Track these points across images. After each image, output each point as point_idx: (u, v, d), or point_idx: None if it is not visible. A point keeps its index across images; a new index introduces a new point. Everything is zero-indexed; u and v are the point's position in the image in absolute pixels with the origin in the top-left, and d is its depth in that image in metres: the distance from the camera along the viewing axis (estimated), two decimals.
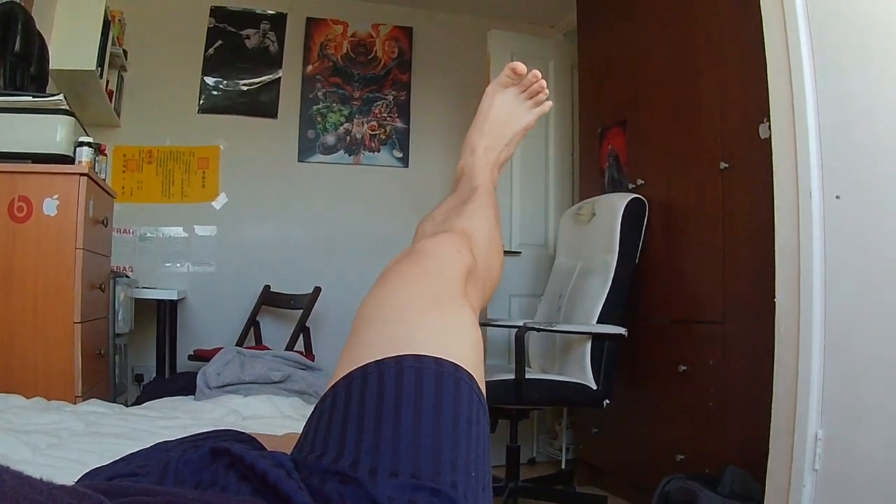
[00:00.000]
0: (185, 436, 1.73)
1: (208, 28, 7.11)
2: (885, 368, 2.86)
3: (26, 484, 0.80)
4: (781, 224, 3.38)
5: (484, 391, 1.37)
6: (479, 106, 2.42)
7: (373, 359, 1.28)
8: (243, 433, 1.78)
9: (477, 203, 2.07)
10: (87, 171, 3.99)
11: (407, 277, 1.56)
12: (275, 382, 4.05)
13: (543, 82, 2.37)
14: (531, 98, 2.38)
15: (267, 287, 6.87)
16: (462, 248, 1.68)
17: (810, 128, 3.20)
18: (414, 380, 1.22)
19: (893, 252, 2.84)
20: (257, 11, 7.24)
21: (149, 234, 6.84)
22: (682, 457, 4.68)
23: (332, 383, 1.32)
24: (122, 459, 1.47)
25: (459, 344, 1.39)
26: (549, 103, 2.41)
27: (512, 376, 4.59)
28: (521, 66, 2.32)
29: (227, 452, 1.19)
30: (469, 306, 1.51)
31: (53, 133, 4.08)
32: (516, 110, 2.39)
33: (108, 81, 5.95)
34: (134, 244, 6.79)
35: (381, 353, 1.30)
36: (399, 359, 1.26)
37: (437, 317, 1.44)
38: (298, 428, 2.52)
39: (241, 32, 7.19)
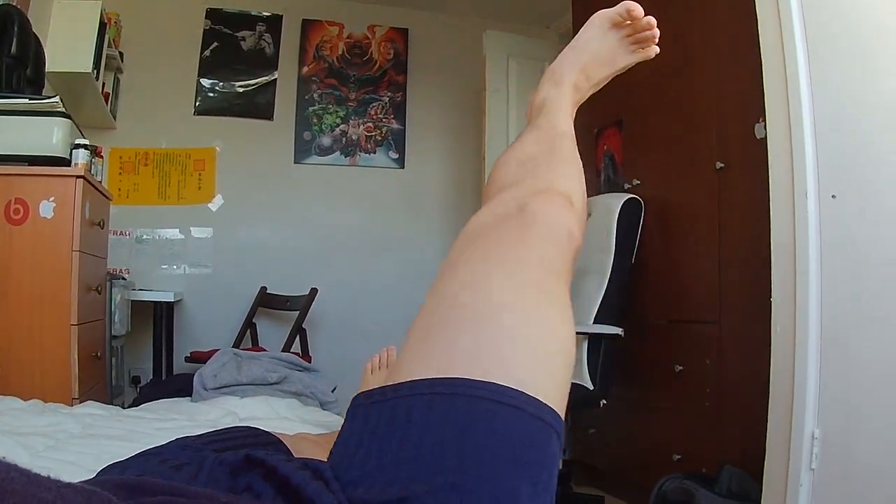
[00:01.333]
0: (206, 432, 1.71)
1: (204, 30, 7.13)
2: (882, 367, 2.86)
3: (34, 482, 0.79)
4: (777, 223, 3.38)
5: (565, 399, 1.19)
6: (579, 32, 2.14)
7: (463, 373, 1.09)
8: (266, 432, 1.77)
9: (569, 156, 1.77)
10: (83, 174, 3.99)
11: (510, 256, 1.33)
12: (271, 384, 4.05)
13: (657, 31, 2.12)
14: (637, 42, 2.14)
15: (263, 289, 6.88)
16: (575, 227, 1.44)
17: (806, 127, 3.19)
18: (505, 426, 1.05)
19: (889, 251, 2.84)
20: (253, 13, 7.25)
21: (145, 236, 6.85)
22: (679, 456, 4.68)
23: (401, 381, 1.12)
24: (142, 455, 1.41)
25: (557, 365, 1.20)
26: (657, 49, 2.17)
27: None
28: (639, 9, 2.04)
29: (262, 463, 1.11)
30: (570, 305, 1.31)
31: (49, 135, 4.08)
32: (618, 52, 2.15)
33: (104, 83, 5.96)
34: (130, 246, 6.80)
35: (472, 366, 1.10)
36: (496, 392, 1.07)
37: (542, 331, 1.21)
38: (295, 429, 2.53)
39: (237, 34, 7.20)
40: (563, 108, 2.01)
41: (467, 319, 1.18)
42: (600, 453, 5.80)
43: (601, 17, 2.11)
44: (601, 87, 2.16)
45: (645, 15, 2.05)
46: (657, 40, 2.13)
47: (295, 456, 1.50)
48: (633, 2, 2.03)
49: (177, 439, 1.59)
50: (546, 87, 2.07)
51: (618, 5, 2.06)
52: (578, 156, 1.79)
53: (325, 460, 1.16)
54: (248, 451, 1.17)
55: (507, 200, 1.45)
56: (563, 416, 1.15)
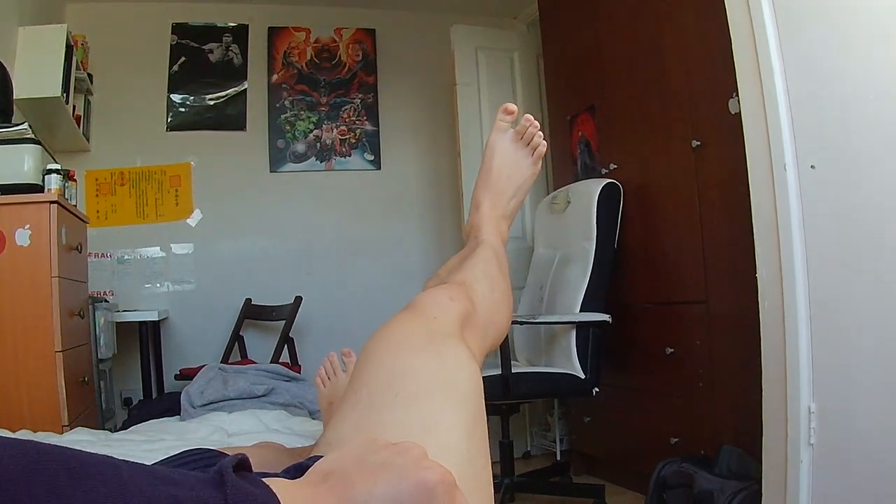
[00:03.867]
0: (162, 459, 1.71)
1: (171, 45, 7.08)
2: (873, 336, 2.85)
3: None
4: (757, 197, 3.37)
5: (484, 430, 1.48)
6: (483, 159, 2.50)
7: (376, 406, 1.39)
8: (221, 452, 1.77)
9: (478, 257, 2.14)
10: (57, 199, 3.96)
11: (403, 322, 1.67)
12: (259, 396, 4.04)
13: (537, 123, 2.44)
14: (528, 144, 2.45)
15: (248, 300, 6.85)
16: (456, 296, 1.79)
17: (780, 99, 3.18)
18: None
19: (872, 217, 2.84)
20: (219, 25, 7.21)
21: (126, 257, 6.81)
22: (676, 440, 4.68)
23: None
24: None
25: (456, 377, 1.49)
26: (545, 144, 2.46)
27: (498, 371, 4.57)
28: (511, 106, 2.42)
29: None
30: (465, 345, 1.61)
31: (21, 163, 4.06)
32: (518, 160, 2.45)
33: (74, 107, 5.91)
34: (113, 268, 6.76)
35: (382, 393, 1.41)
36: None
37: (433, 351, 1.53)
38: (285, 441, 2.51)
39: (204, 47, 7.16)
40: (483, 225, 2.36)
41: (376, 357, 1.54)
42: (597, 442, 5.80)
43: (492, 134, 2.49)
44: (522, 196, 2.51)
45: (521, 112, 2.47)
46: (541, 135, 2.46)
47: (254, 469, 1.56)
48: (507, 103, 2.46)
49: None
50: (471, 215, 2.47)
51: (497, 115, 2.47)
52: (498, 252, 2.24)
53: None
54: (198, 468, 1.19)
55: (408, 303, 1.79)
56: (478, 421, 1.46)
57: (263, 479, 1.00)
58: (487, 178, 2.44)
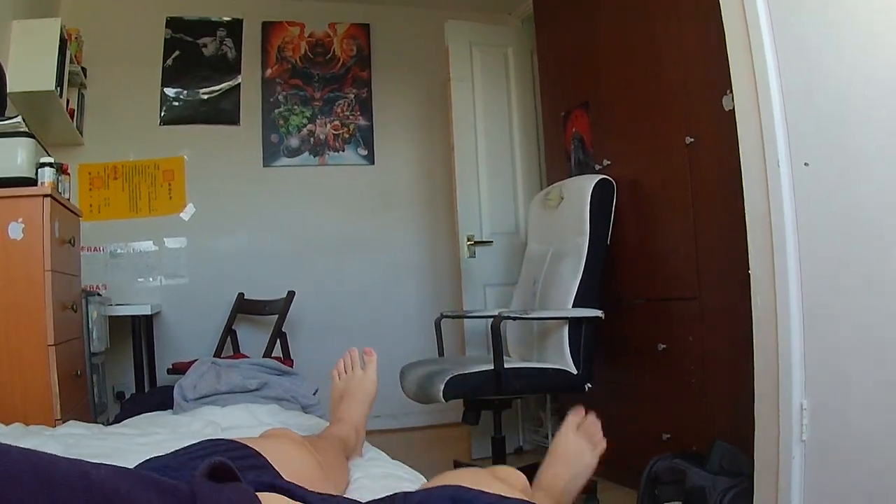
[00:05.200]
0: (179, 448, 1.70)
1: (165, 39, 7.09)
2: (865, 333, 2.85)
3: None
4: (750, 194, 3.37)
5: None
6: (552, 448, 2.72)
7: None
8: (243, 445, 1.76)
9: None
10: (50, 192, 3.96)
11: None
12: (251, 391, 4.03)
13: (598, 422, 2.74)
14: (589, 438, 2.71)
15: (241, 295, 6.86)
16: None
17: (774, 96, 3.18)
18: None
19: (865, 215, 2.84)
20: (213, 19, 7.22)
21: (119, 251, 6.82)
22: (669, 436, 4.68)
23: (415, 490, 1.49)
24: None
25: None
26: (604, 442, 2.72)
27: (491, 366, 4.58)
28: (582, 409, 2.76)
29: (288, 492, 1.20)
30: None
31: (14, 156, 4.05)
32: (580, 450, 2.67)
33: (68, 100, 5.91)
34: (105, 261, 6.77)
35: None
36: None
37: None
38: None
39: (198, 41, 7.16)
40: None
41: None
42: None
43: (564, 428, 2.73)
44: (579, 486, 2.67)
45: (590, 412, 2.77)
46: (601, 434, 2.73)
47: (273, 465, 1.59)
48: (578, 408, 2.77)
49: (149, 460, 1.58)
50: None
51: (568, 418, 2.75)
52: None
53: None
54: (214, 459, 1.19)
55: None
56: None
57: (260, 494, 1.00)
58: (557, 465, 2.65)
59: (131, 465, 1.42)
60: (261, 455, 1.73)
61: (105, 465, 0.89)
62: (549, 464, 2.62)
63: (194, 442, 1.76)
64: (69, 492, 0.79)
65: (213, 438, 1.81)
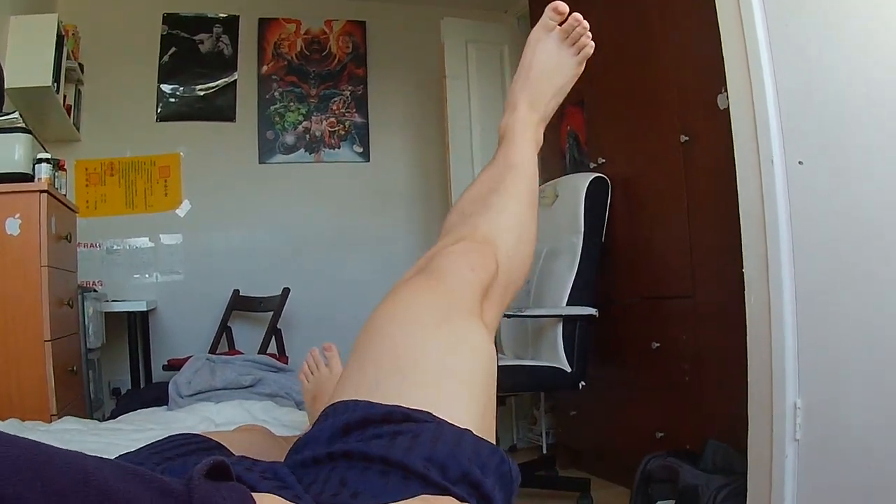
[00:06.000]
0: (144, 445, 1.71)
1: (162, 35, 7.08)
2: (859, 332, 2.86)
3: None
4: (744, 193, 3.38)
5: (493, 416, 1.45)
6: (522, 56, 2.33)
7: (382, 389, 1.34)
8: (206, 438, 1.78)
9: (510, 191, 2.01)
10: (46, 188, 3.97)
11: (419, 294, 1.60)
12: (246, 387, 4.04)
13: (586, 23, 2.27)
14: (574, 44, 2.28)
15: (236, 291, 6.86)
16: (480, 264, 1.70)
17: (768, 95, 3.20)
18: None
19: (859, 213, 2.85)
20: (209, 15, 7.21)
21: (115, 247, 6.81)
22: (662, 434, 4.69)
23: (340, 400, 1.37)
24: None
25: (470, 364, 1.43)
26: (592, 45, 2.29)
27: None
28: (563, 5, 2.23)
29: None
30: (481, 324, 1.54)
31: (11, 151, 4.07)
32: (561, 59, 2.29)
33: (65, 96, 5.91)
34: (102, 258, 6.76)
35: (388, 371, 1.38)
36: (419, 416, 1.28)
37: (447, 332, 1.47)
38: (272, 430, 2.52)
39: (195, 38, 7.16)
40: (518, 133, 2.18)
41: (388, 337, 1.47)
42: (583, 436, 5.81)
43: (535, 30, 2.29)
44: (561, 97, 2.33)
45: (571, 12, 2.22)
46: (589, 35, 2.27)
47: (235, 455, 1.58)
48: (558, 2, 2.19)
49: (118, 457, 1.58)
50: (505, 116, 2.26)
51: (544, 12, 2.22)
52: (525, 183, 2.05)
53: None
54: (192, 457, 1.19)
55: (423, 258, 1.75)
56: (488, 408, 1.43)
57: (254, 495, 1.00)
58: (527, 77, 2.27)
59: None
60: (221, 446, 1.73)
61: (105, 459, 0.90)
62: (524, 82, 2.28)
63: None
64: (66, 486, 0.80)
65: (175, 434, 1.81)
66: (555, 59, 2.28)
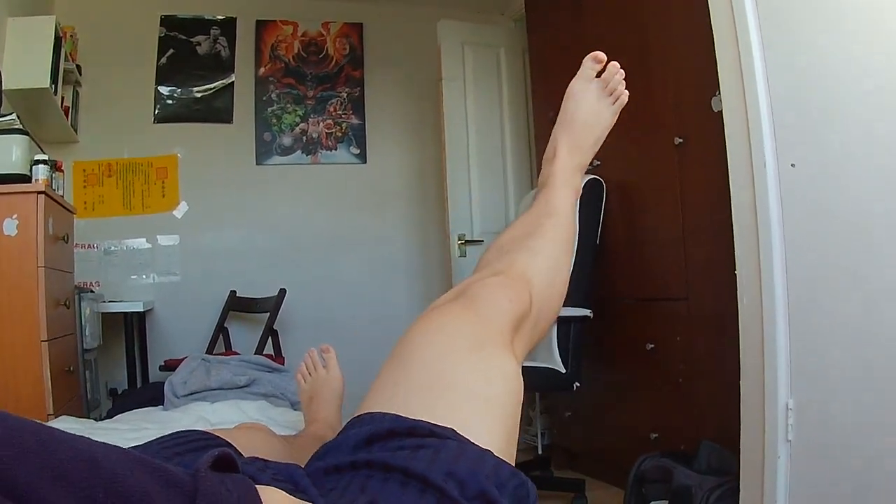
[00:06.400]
0: (152, 440, 1.73)
1: (159, 37, 7.09)
2: (851, 333, 2.88)
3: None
4: (737, 195, 3.39)
5: (514, 442, 1.47)
6: (563, 106, 2.42)
7: (412, 406, 1.36)
8: (215, 436, 1.79)
9: (547, 237, 2.06)
10: (44, 189, 3.99)
11: (455, 318, 1.62)
12: (241, 387, 4.05)
13: (622, 72, 2.37)
14: (611, 94, 2.37)
15: (233, 292, 6.87)
16: (515, 297, 1.74)
17: (761, 98, 3.21)
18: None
19: (851, 216, 2.87)
20: (207, 17, 7.22)
21: (113, 248, 6.82)
22: (656, 435, 4.70)
23: (367, 412, 1.40)
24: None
25: (499, 393, 1.46)
26: (627, 94, 2.38)
27: None
28: (601, 54, 2.34)
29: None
30: (512, 355, 1.58)
31: (9, 153, 4.08)
32: (601, 109, 2.38)
33: (63, 98, 5.92)
34: (99, 258, 6.77)
35: (421, 396, 1.40)
36: (443, 434, 1.30)
37: (479, 359, 1.50)
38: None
39: (192, 40, 7.17)
40: (559, 180, 2.25)
41: (421, 359, 1.48)
42: (578, 436, 5.82)
43: (577, 81, 2.39)
44: (598, 146, 2.42)
45: (610, 60, 2.32)
46: (624, 83, 2.37)
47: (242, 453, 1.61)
48: (596, 52, 2.31)
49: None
50: (544, 168, 2.32)
51: (583, 63, 2.38)
52: (563, 230, 2.12)
53: (290, 462, 1.32)
54: (196, 453, 1.21)
55: (460, 286, 1.76)
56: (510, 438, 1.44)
57: (258, 486, 1.02)
58: (571, 128, 2.36)
59: None
60: (229, 443, 1.75)
61: (113, 446, 0.92)
62: (566, 129, 2.37)
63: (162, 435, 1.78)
64: (76, 472, 0.81)
65: (183, 430, 1.83)
66: (595, 109, 2.36)
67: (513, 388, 1.50)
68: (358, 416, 1.39)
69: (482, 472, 1.23)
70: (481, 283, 1.77)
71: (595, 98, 2.36)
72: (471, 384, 1.44)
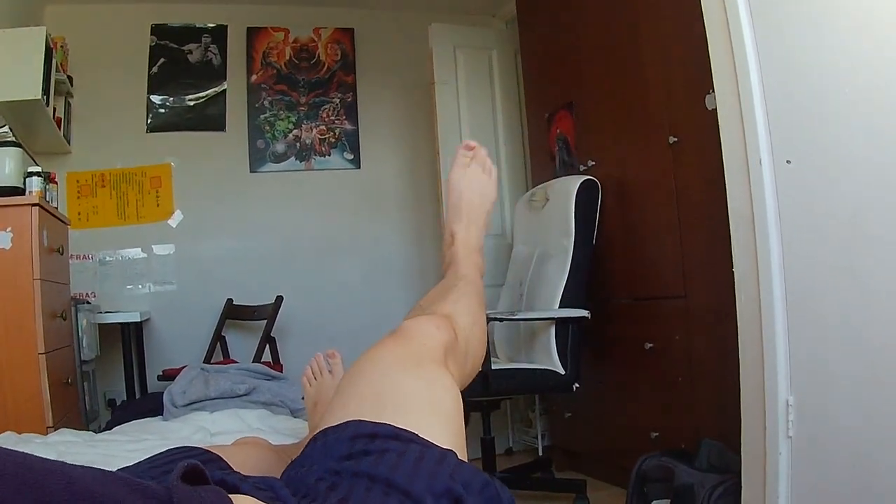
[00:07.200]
0: (143, 459, 1.74)
1: (150, 46, 7.07)
2: (849, 329, 2.87)
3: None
4: (733, 193, 3.39)
5: (464, 448, 1.51)
6: (448, 195, 2.62)
7: (364, 415, 1.43)
8: (202, 450, 1.80)
9: (461, 291, 2.24)
10: (38, 201, 3.98)
11: (393, 345, 1.74)
12: (240, 396, 4.05)
13: (483, 149, 2.63)
14: (485, 171, 2.61)
15: (230, 300, 6.86)
16: (442, 325, 1.88)
17: (755, 95, 3.20)
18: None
19: (848, 212, 2.86)
20: (197, 25, 7.21)
21: (108, 258, 6.81)
22: (657, 434, 4.70)
23: (324, 428, 1.45)
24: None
25: (442, 398, 1.58)
26: (495, 168, 2.65)
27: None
28: (472, 142, 2.62)
29: (222, 483, 1.21)
30: (448, 372, 1.69)
31: (2, 165, 4.09)
32: (483, 187, 2.59)
33: (55, 109, 5.90)
34: (95, 269, 6.76)
35: (371, 405, 1.47)
36: (395, 432, 1.37)
37: (421, 374, 1.62)
38: (268, 439, 2.53)
39: (183, 48, 7.16)
40: (461, 260, 2.46)
41: (365, 377, 1.62)
42: (578, 437, 5.82)
43: (455, 169, 2.62)
44: (489, 216, 2.66)
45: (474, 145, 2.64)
46: (488, 158, 2.65)
47: (234, 468, 1.64)
48: (466, 140, 2.66)
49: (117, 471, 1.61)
50: (445, 245, 2.58)
51: (457, 152, 2.64)
52: (478, 288, 2.35)
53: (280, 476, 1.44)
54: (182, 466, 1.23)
55: (392, 329, 1.86)
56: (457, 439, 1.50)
57: (232, 495, 1.04)
58: (461, 212, 2.55)
59: None
60: (220, 458, 1.78)
61: (88, 467, 0.93)
62: (457, 213, 2.57)
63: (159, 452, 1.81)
64: (51, 492, 0.82)
65: (174, 447, 1.85)
66: (478, 189, 2.59)
67: (454, 396, 1.62)
68: (322, 430, 1.45)
69: (445, 471, 1.29)
70: (410, 320, 1.90)
71: (476, 179, 2.59)
72: (417, 393, 1.55)
